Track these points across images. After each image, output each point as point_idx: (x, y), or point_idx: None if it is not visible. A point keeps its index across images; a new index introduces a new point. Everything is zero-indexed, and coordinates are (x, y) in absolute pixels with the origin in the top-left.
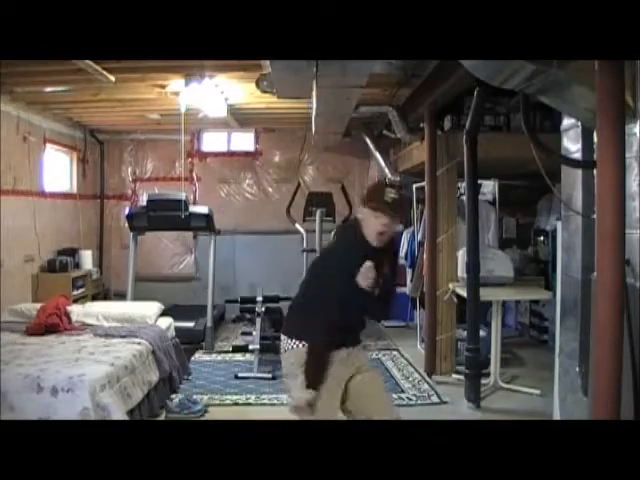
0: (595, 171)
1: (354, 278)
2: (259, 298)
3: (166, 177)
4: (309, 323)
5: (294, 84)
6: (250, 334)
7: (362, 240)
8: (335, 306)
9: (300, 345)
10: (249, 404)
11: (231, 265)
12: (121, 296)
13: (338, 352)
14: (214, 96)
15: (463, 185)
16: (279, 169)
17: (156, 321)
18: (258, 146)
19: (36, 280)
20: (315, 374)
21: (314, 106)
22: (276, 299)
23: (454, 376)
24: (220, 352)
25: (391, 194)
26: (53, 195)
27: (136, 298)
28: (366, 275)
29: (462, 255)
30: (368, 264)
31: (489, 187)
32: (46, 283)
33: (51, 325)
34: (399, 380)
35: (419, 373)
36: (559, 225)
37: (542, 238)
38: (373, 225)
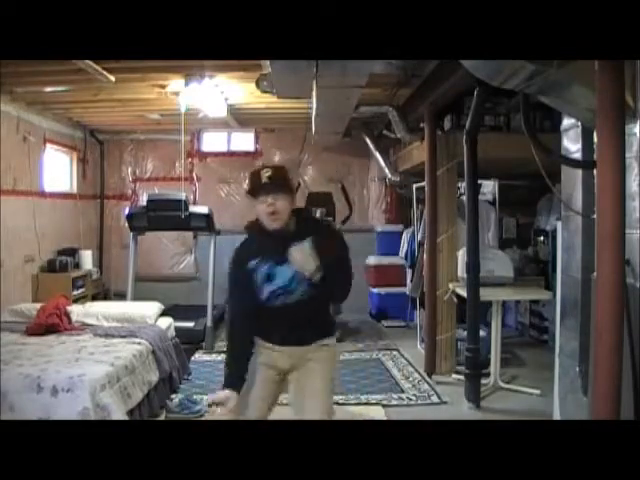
0: (595, 171)
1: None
2: None
3: (166, 177)
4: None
5: (294, 84)
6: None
7: (262, 235)
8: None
9: None
10: None
11: None
12: (121, 296)
13: (270, 350)
14: (214, 96)
15: (463, 185)
16: None
17: (156, 321)
18: (258, 146)
19: (36, 280)
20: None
21: (314, 106)
22: None
23: (454, 376)
24: (220, 352)
25: (266, 173)
26: (53, 195)
27: (136, 298)
28: (299, 260)
29: (462, 255)
30: (296, 250)
31: (489, 187)
32: (46, 283)
33: (51, 325)
34: (399, 380)
35: (419, 373)
36: (559, 225)
37: (542, 238)
38: (260, 210)
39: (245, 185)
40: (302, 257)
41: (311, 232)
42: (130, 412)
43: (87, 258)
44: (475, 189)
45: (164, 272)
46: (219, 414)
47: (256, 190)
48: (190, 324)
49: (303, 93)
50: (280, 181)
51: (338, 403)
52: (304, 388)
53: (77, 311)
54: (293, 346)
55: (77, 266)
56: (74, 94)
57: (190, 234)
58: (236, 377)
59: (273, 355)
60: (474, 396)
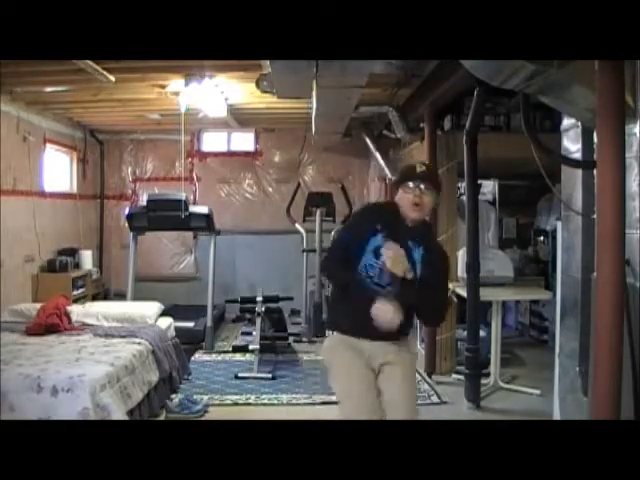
0: (595, 171)
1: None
2: (259, 298)
3: (166, 177)
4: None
5: (294, 84)
6: (250, 334)
7: (397, 221)
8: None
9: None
10: (249, 404)
11: (231, 265)
12: (121, 296)
13: (358, 344)
14: (214, 96)
15: (463, 185)
16: (279, 169)
17: (156, 321)
18: (258, 146)
19: (36, 280)
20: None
21: (314, 106)
22: (276, 299)
23: (454, 376)
24: (220, 352)
25: (421, 167)
26: (53, 195)
27: (136, 298)
28: (387, 253)
29: (462, 255)
30: (390, 244)
31: (489, 187)
32: (46, 283)
33: (51, 325)
34: None
35: (419, 373)
36: (559, 225)
37: (542, 238)
38: (406, 198)
39: (394, 176)
40: (394, 257)
41: (430, 242)
42: (130, 412)
43: (87, 258)
44: (475, 189)
45: (164, 272)
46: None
47: (408, 178)
48: (190, 324)
49: (303, 93)
50: (433, 177)
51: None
52: (391, 394)
53: (77, 311)
54: (375, 340)
55: (77, 266)
56: (74, 94)
57: (190, 234)
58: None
59: (359, 347)
60: (474, 396)
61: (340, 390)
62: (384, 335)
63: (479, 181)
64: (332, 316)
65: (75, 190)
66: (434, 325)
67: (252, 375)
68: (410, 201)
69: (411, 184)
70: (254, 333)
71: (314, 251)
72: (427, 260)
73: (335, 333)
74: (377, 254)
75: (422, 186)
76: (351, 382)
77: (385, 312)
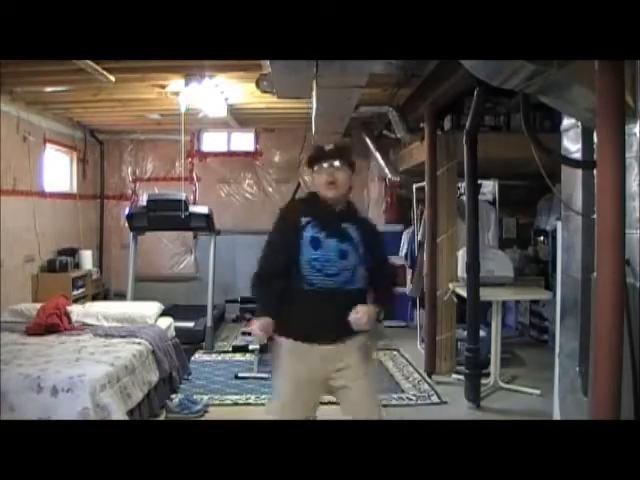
0: (595, 171)
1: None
2: None
3: (166, 177)
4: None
5: (294, 84)
6: (250, 334)
7: (322, 208)
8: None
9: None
10: (249, 404)
11: (231, 265)
12: (121, 296)
13: (309, 349)
14: (214, 96)
15: (463, 185)
16: (279, 169)
17: (156, 321)
18: (258, 146)
19: (36, 280)
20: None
21: (314, 106)
22: None
23: (454, 376)
24: (220, 352)
25: (330, 146)
26: (53, 195)
27: (136, 298)
28: (357, 318)
29: (462, 255)
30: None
31: (489, 187)
32: (46, 283)
33: (51, 325)
34: (399, 380)
35: (419, 373)
36: (559, 225)
37: (542, 238)
38: (320, 178)
39: (304, 161)
40: (364, 319)
41: (358, 218)
42: (130, 412)
43: (87, 258)
44: (475, 189)
45: (164, 272)
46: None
47: (318, 158)
48: (190, 324)
49: (303, 93)
50: (342, 154)
51: (338, 403)
52: (352, 402)
53: (77, 311)
54: (326, 344)
55: (77, 266)
56: (74, 94)
57: (190, 234)
58: (268, 306)
59: (305, 356)
60: (474, 396)
61: (275, 394)
62: (339, 336)
63: (479, 181)
64: (279, 322)
65: (75, 190)
66: (389, 300)
67: (252, 375)
68: (325, 180)
69: (323, 164)
70: None
71: None
72: (365, 237)
73: (284, 340)
74: (315, 245)
75: (334, 164)
76: (285, 393)
77: (362, 318)
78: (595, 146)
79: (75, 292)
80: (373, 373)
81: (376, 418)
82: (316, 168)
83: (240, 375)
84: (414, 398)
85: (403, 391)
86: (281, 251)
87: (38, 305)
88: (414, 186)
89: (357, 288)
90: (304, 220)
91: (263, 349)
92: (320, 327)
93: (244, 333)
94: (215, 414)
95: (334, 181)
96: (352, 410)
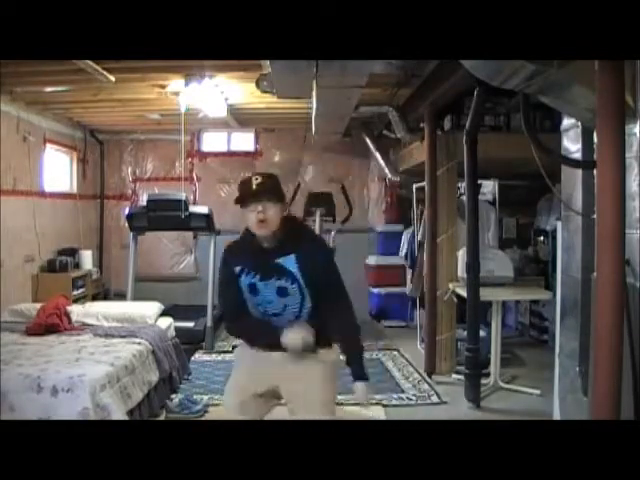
0: (595, 171)
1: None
2: None
3: (166, 177)
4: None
5: (294, 84)
6: None
7: (253, 247)
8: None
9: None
10: None
11: None
12: (121, 296)
13: (264, 354)
14: (214, 96)
15: (463, 185)
16: (279, 169)
17: (156, 321)
18: (258, 146)
19: (36, 280)
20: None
21: (314, 106)
22: None
23: (454, 376)
24: (220, 352)
25: (256, 181)
26: (53, 195)
27: (136, 298)
28: (290, 340)
29: (462, 255)
30: (290, 335)
31: (489, 187)
32: (46, 283)
33: (51, 325)
34: (399, 380)
35: (419, 373)
36: (559, 225)
37: (542, 238)
38: (250, 218)
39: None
40: (295, 341)
41: (298, 245)
42: (130, 412)
43: (87, 258)
44: (475, 189)
45: (164, 272)
46: None
47: (246, 198)
48: (190, 324)
49: (303, 93)
50: (270, 189)
51: (338, 403)
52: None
53: (77, 311)
54: (281, 352)
55: (77, 266)
56: (74, 94)
57: (190, 234)
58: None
59: (259, 363)
60: (474, 396)
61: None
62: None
63: (479, 181)
64: (233, 329)
65: (75, 190)
66: (353, 336)
67: None
68: (254, 219)
69: (251, 203)
70: None
71: None
72: (305, 265)
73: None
74: (253, 291)
75: (261, 201)
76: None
77: (294, 339)
78: (595, 146)
79: (75, 292)
80: (327, 392)
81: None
82: (245, 207)
83: None
84: (414, 398)
85: (403, 391)
86: (230, 301)
87: (38, 305)
88: (414, 186)
89: (308, 320)
90: (237, 269)
91: None
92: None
93: None
94: (215, 414)
95: (264, 219)
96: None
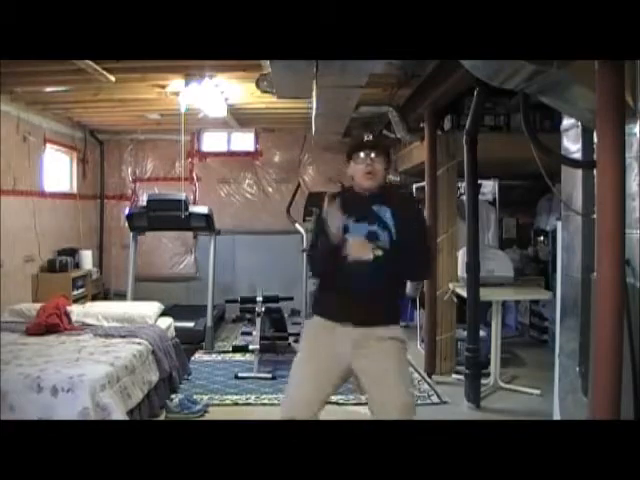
0: (595, 171)
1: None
2: (259, 298)
3: (166, 177)
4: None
5: (294, 84)
6: (250, 334)
7: (352, 197)
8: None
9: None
10: (249, 404)
11: (231, 265)
12: (121, 296)
13: (339, 328)
14: (214, 96)
15: (463, 185)
16: (279, 169)
17: (156, 321)
18: (258, 146)
19: (36, 280)
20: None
21: (314, 106)
22: (276, 299)
23: (454, 376)
24: (220, 352)
25: (368, 137)
26: (53, 195)
27: (136, 298)
28: (355, 248)
29: (462, 255)
30: (354, 239)
31: (489, 187)
32: (46, 283)
33: (51, 325)
34: None
35: (419, 373)
36: (559, 225)
37: (542, 238)
38: (357, 169)
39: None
40: (358, 247)
41: (393, 201)
42: (130, 412)
43: (87, 258)
44: (475, 189)
45: (164, 272)
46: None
47: (357, 149)
48: (190, 324)
49: (303, 93)
50: (380, 145)
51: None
52: (379, 385)
53: (77, 311)
54: (356, 326)
55: (77, 266)
56: (74, 94)
57: (190, 234)
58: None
59: (333, 337)
60: (474, 396)
61: (290, 375)
62: (368, 320)
63: (479, 181)
64: (315, 300)
65: (75, 190)
66: (420, 279)
67: (252, 375)
68: (363, 171)
69: (361, 154)
70: (254, 333)
71: None
72: (398, 219)
73: (314, 317)
74: (344, 231)
75: (372, 154)
76: (302, 373)
77: (359, 245)
78: (595, 146)
79: (75, 292)
80: (403, 367)
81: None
82: (354, 157)
83: (240, 375)
84: (414, 398)
85: None
86: (321, 244)
87: (38, 305)
88: (414, 186)
89: (390, 271)
90: (344, 214)
91: (263, 349)
92: (351, 308)
93: (244, 333)
94: (215, 414)
95: (371, 171)
96: (375, 390)
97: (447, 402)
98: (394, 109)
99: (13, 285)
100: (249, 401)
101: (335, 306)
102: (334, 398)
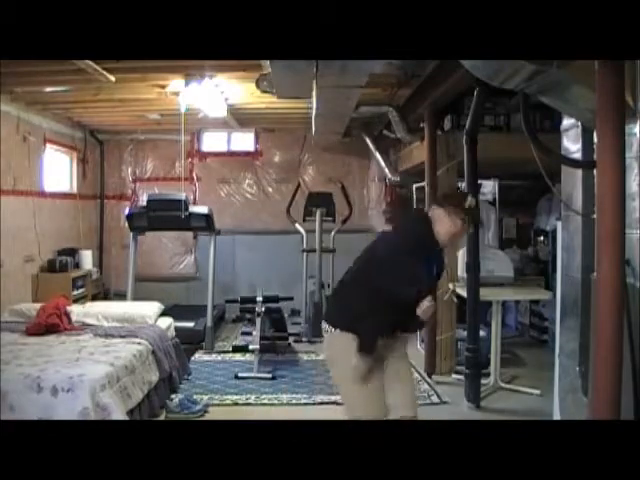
0: (595, 171)
1: (418, 272)
2: (259, 298)
3: (166, 177)
4: (357, 316)
5: (294, 84)
6: (250, 334)
7: (431, 238)
8: (392, 297)
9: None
10: (249, 404)
11: (231, 265)
12: (121, 296)
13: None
14: (214, 96)
15: (463, 185)
16: (279, 169)
17: (156, 321)
18: (258, 146)
19: (36, 280)
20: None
21: (314, 106)
22: (276, 299)
23: (454, 376)
24: (220, 352)
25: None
26: (53, 195)
27: (136, 298)
28: (426, 309)
29: (462, 255)
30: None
31: (489, 187)
32: (46, 283)
33: (51, 325)
34: None
35: (419, 373)
36: (559, 225)
37: (542, 238)
38: (448, 225)
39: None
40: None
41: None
42: (130, 412)
43: (87, 258)
44: (475, 189)
45: (164, 272)
46: None
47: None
48: (190, 324)
49: (303, 93)
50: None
51: (338, 403)
52: (398, 376)
53: (77, 311)
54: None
55: (77, 266)
56: (74, 94)
57: (190, 234)
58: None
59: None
60: (474, 396)
61: (348, 390)
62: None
63: (479, 181)
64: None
65: (75, 190)
66: None
67: (252, 375)
68: (452, 231)
69: (460, 219)
70: (254, 333)
71: (314, 251)
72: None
73: (344, 332)
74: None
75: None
76: (363, 384)
77: (429, 310)
78: (595, 146)
79: (75, 292)
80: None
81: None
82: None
83: (240, 375)
84: None
85: None
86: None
87: (38, 305)
88: (414, 186)
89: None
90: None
91: (263, 349)
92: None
93: (244, 333)
94: (215, 414)
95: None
96: (394, 378)
97: (447, 402)
98: (394, 109)
99: (13, 285)
100: (249, 401)
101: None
102: (334, 398)
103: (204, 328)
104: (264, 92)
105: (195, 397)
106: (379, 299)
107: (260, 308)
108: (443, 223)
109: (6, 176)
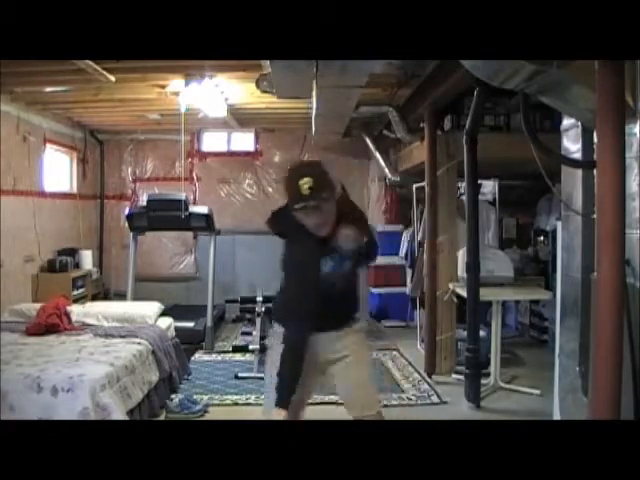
0: (595, 171)
1: (311, 262)
2: (259, 298)
3: (166, 177)
4: (286, 314)
5: (294, 84)
6: (250, 334)
7: (299, 229)
8: (298, 295)
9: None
10: (249, 404)
11: (231, 265)
12: (121, 296)
13: (316, 337)
14: (214, 96)
15: (463, 185)
16: (279, 169)
17: (156, 321)
18: (258, 146)
19: (36, 280)
20: (290, 373)
21: (314, 106)
22: None
23: (454, 376)
24: (220, 352)
25: (306, 184)
26: (53, 195)
27: (136, 298)
28: (345, 236)
29: (462, 255)
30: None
31: (489, 187)
32: (46, 283)
33: (51, 325)
34: (399, 380)
35: (419, 373)
36: (559, 225)
37: (542, 238)
38: (306, 222)
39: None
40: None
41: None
42: (130, 412)
43: (87, 258)
44: (475, 189)
45: (164, 272)
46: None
47: (292, 201)
48: (190, 324)
49: (303, 93)
50: (319, 186)
51: (338, 403)
52: (349, 380)
53: (77, 311)
54: (327, 332)
55: (77, 266)
56: (74, 94)
57: (190, 234)
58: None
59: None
60: (474, 396)
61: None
62: (336, 324)
63: (479, 181)
64: (280, 311)
65: (75, 190)
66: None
67: (252, 375)
68: (312, 223)
69: (302, 206)
70: (254, 333)
71: None
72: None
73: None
74: None
75: (312, 203)
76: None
77: (348, 234)
78: (595, 146)
79: (75, 292)
80: (368, 360)
81: (371, 399)
82: (297, 208)
83: (240, 375)
84: (414, 398)
85: (403, 391)
86: None
87: (38, 305)
88: (414, 186)
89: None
90: None
91: (263, 349)
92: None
93: (244, 333)
94: (215, 414)
95: (320, 224)
96: (346, 387)
97: (447, 402)
98: (394, 109)
99: (13, 285)
100: (249, 401)
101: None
102: (334, 398)
103: (204, 328)
104: (264, 92)
105: (195, 397)
106: (288, 291)
107: (260, 308)
108: (304, 220)
109: (6, 176)
